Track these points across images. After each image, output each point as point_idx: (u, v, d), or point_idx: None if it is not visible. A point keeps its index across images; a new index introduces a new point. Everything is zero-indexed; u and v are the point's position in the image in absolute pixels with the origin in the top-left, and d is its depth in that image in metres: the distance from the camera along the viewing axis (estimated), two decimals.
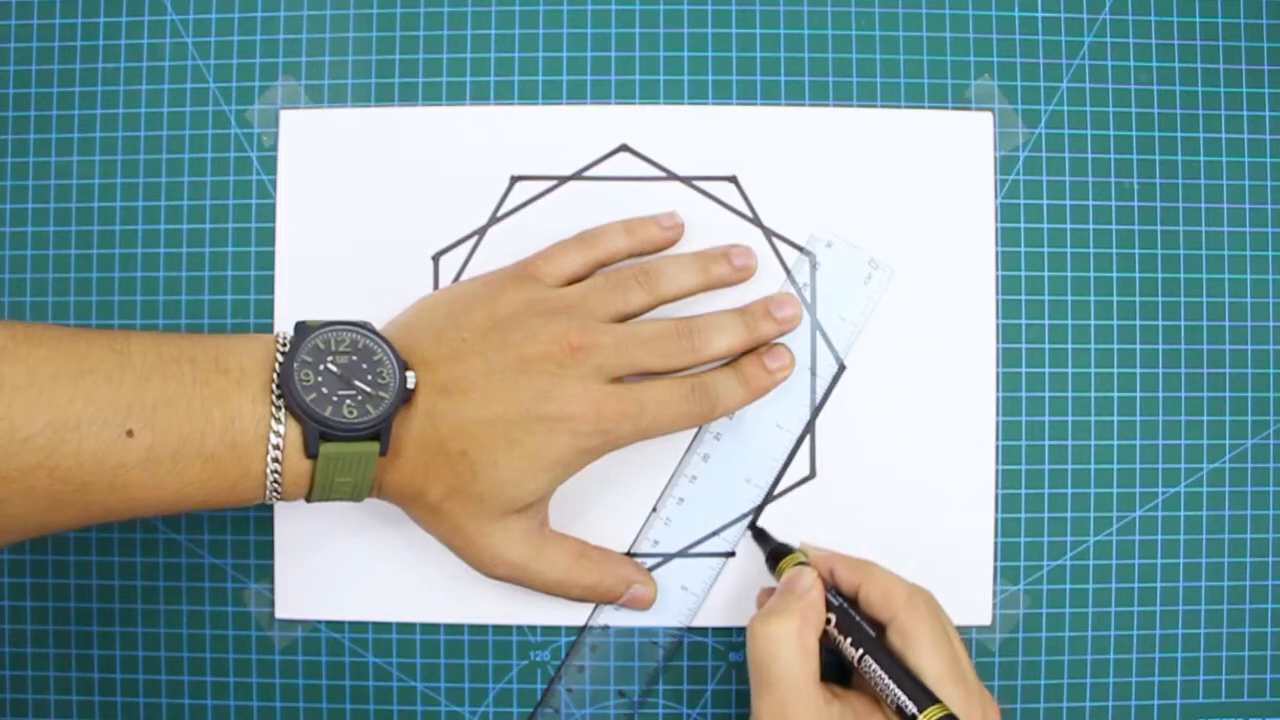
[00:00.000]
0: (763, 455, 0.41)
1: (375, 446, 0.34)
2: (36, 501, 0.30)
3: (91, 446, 0.30)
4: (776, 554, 0.39)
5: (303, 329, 0.34)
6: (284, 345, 0.34)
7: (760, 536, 0.40)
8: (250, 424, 0.32)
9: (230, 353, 0.33)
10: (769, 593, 0.38)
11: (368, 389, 0.33)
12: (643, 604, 0.40)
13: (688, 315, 0.38)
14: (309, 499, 0.34)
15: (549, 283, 0.38)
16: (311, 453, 0.33)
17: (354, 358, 0.34)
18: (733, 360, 0.39)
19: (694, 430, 0.41)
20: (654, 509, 0.41)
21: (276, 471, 0.32)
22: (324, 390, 0.33)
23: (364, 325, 0.35)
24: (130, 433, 0.30)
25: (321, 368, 0.33)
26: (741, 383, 0.38)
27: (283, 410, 0.32)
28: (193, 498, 0.32)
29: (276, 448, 0.32)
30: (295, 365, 0.33)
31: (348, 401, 0.33)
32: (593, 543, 0.40)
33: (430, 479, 0.35)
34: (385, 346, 0.34)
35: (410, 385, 0.34)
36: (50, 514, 0.31)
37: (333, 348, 0.34)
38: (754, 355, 0.39)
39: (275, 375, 0.33)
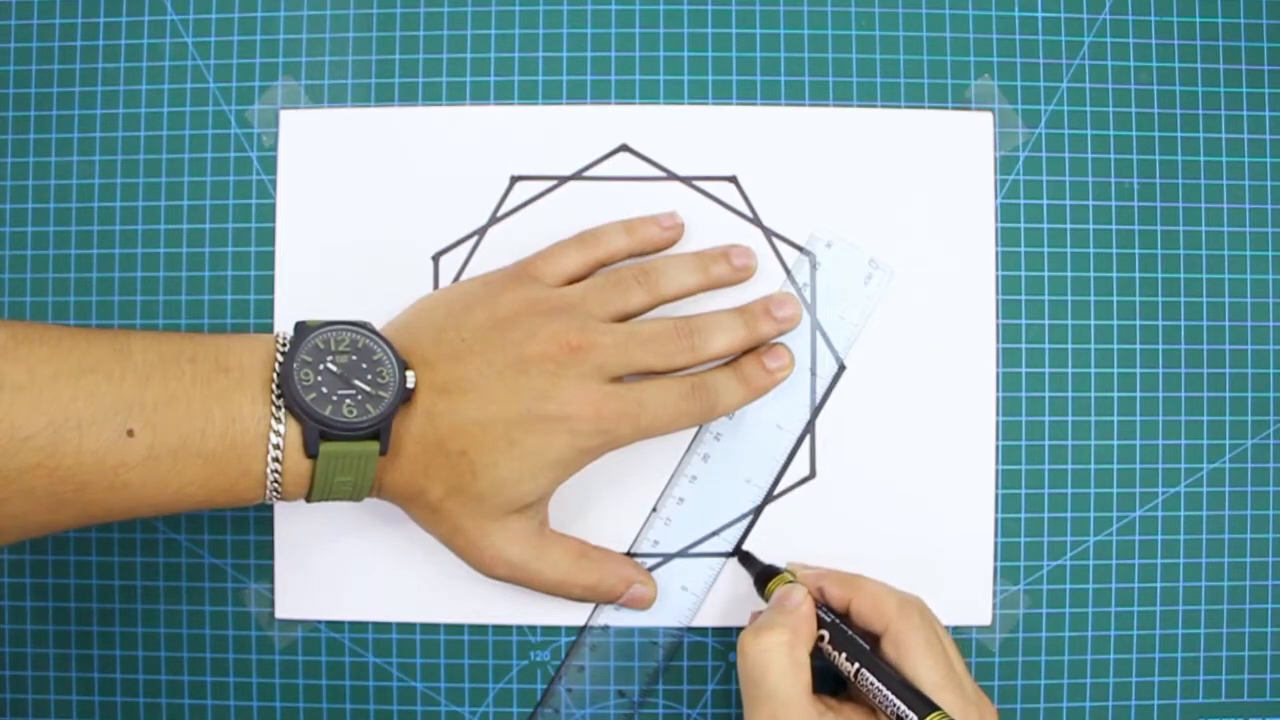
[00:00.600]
0: (763, 455, 0.41)
1: (375, 446, 0.34)
2: (37, 501, 0.30)
3: (92, 446, 0.30)
4: (764, 576, 0.39)
5: (302, 329, 0.34)
6: (284, 345, 0.34)
7: (746, 560, 0.40)
8: (250, 424, 0.32)
9: (231, 352, 0.33)
10: (759, 615, 0.38)
11: (367, 388, 0.33)
12: (643, 604, 0.40)
13: (687, 315, 0.38)
14: (309, 499, 0.34)
15: (549, 282, 0.38)
16: (311, 452, 0.33)
17: (354, 357, 0.34)
18: (732, 360, 0.39)
19: (694, 430, 0.41)
20: (654, 509, 0.41)
21: (277, 471, 0.32)
22: (324, 390, 0.33)
23: (364, 325, 0.35)
24: (131, 432, 0.30)
25: (321, 367, 0.33)
26: (741, 382, 0.38)
27: (282, 410, 0.32)
28: (193, 497, 0.32)
29: (277, 447, 0.32)
30: (295, 365, 0.33)
31: (347, 401, 0.33)
32: (592, 543, 0.40)
33: (430, 479, 0.35)
34: (385, 346, 0.34)
35: (410, 385, 0.34)
36: (50, 514, 0.31)
37: (333, 347, 0.34)
38: (754, 355, 0.39)
39: (275, 375, 0.33)
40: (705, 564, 0.41)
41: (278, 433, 0.32)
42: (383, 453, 0.34)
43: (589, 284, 0.38)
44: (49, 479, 0.30)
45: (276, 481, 0.33)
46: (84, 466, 0.30)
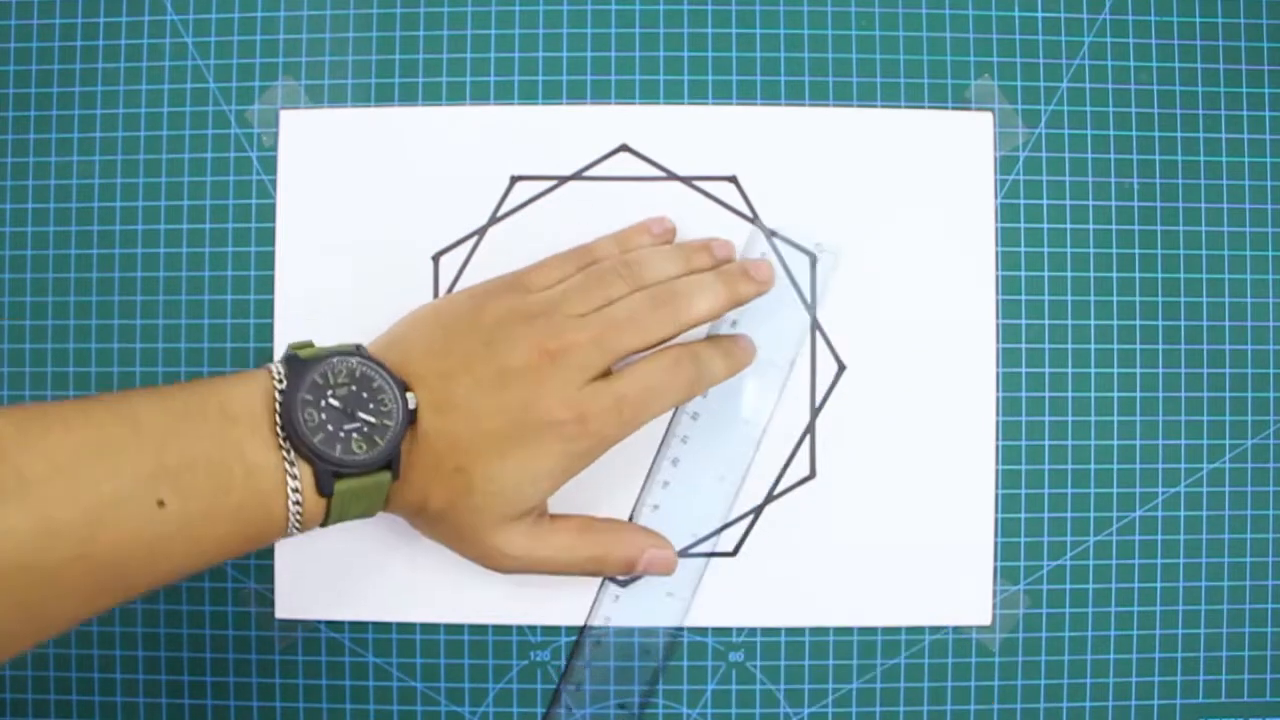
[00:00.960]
0: (731, 451, 0.41)
1: (387, 475, 0.34)
2: (75, 595, 0.29)
3: (129, 524, 0.29)
4: None
5: (296, 363, 0.33)
6: (280, 381, 0.33)
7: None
8: (269, 471, 0.32)
9: (232, 397, 0.32)
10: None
11: (372, 419, 0.33)
12: (665, 568, 0.39)
13: (662, 283, 0.38)
14: (324, 525, 0.34)
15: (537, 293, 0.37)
16: (326, 492, 0.32)
17: (353, 388, 0.33)
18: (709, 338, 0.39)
19: (659, 440, 0.41)
20: (629, 518, 0.41)
21: (298, 511, 0.32)
22: (329, 428, 0.32)
23: (357, 349, 0.34)
24: (162, 502, 0.30)
25: (323, 404, 0.33)
26: (724, 356, 0.38)
27: (293, 452, 0.32)
28: (227, 549, 0.32)
29: (295, 490, 0.32)
30: (297, 406, 0.32)
31: (354, 436, 0.33)
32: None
33: (431, 493, 0.35)
34: (383, 372, 0.34)
35: (411, 406, 0.34)
36: (83, 607, 0.30)
37: (331, 380, 0.33)
38: (726, 336, 0.39)
39: (278, 418, 0.32)
40: (689, 566, 0.41)
41: (294, 476, 0.32)
42: (395, 478, 0.34)
43: (569, 282, 0.37)
44: (86, 569, 0.29)
45: (298, 519, 0.32)
46: (121, 546, 0.29)
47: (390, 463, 0.33)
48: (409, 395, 0.34)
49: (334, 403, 0.33)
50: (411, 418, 0.34)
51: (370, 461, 0.33)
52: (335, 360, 0.34)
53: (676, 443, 0.41)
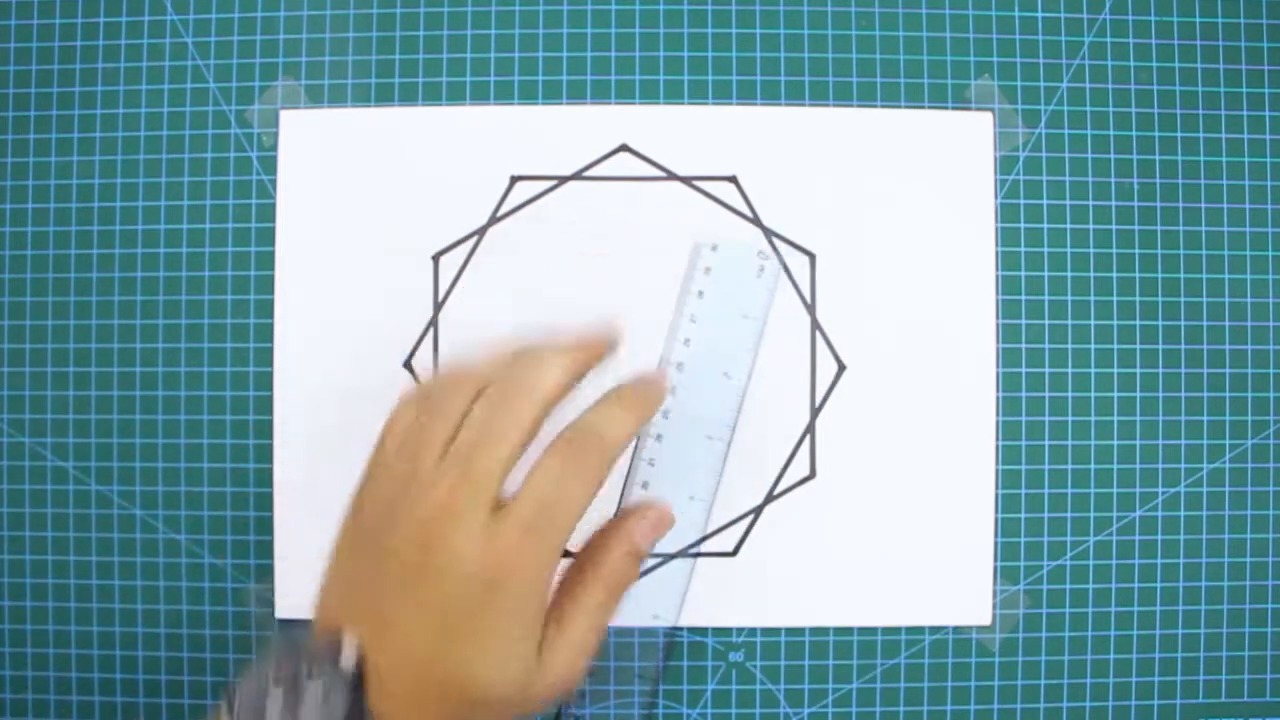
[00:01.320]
0: (701, 470, 0.41)
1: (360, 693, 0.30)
2: None
3: None
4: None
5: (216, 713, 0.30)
6: None
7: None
8: None
9: None
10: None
11: (319, 681, 0.30)
12: (661, 529, 0.35)
13: (502, 376, 0.33)
14: None
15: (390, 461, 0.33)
16: None
17: (280, 672, 0.30)
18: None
19: (625, 469, 0.41)
20: None
21: None
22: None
23: (266, 660, 0.31)
24: None
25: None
26: (622, 408, 0.33)
27: None
28: None
29: None
30: None
31: (313, 701, 0.30)
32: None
33: (426, 712, 0.31)
34: (291, 645, 0.31)
35: (349, 651, 0.31)
36: None
37: (263, 691, 0.30)
38: (615, 387, 0.34)
39: None
40: (671, 586, 0.41)
41: None
42: (364, 689, 0.30)
43: (406, 439, 0.33)
44: None
45: None
46: None
47: (358, 679, 0.30)
48: (345, 639, 0.31)
49: (277, 708, 0.30)
50: (359, 669, 0.30)
51: (340, 675, 0.30)
52: (249, 681, 0.30)
53: (644, 466, 0.41)
